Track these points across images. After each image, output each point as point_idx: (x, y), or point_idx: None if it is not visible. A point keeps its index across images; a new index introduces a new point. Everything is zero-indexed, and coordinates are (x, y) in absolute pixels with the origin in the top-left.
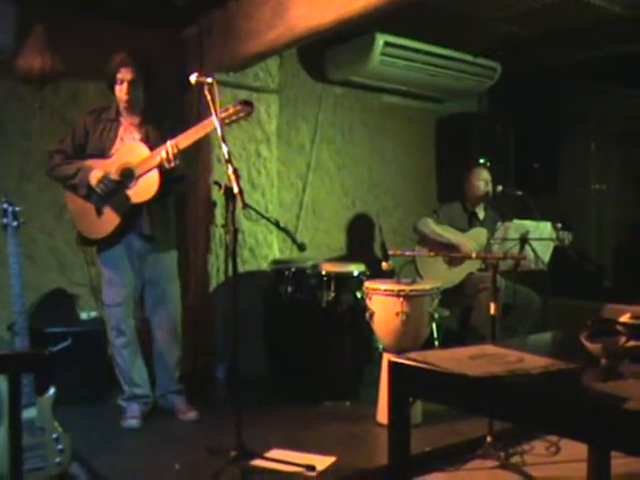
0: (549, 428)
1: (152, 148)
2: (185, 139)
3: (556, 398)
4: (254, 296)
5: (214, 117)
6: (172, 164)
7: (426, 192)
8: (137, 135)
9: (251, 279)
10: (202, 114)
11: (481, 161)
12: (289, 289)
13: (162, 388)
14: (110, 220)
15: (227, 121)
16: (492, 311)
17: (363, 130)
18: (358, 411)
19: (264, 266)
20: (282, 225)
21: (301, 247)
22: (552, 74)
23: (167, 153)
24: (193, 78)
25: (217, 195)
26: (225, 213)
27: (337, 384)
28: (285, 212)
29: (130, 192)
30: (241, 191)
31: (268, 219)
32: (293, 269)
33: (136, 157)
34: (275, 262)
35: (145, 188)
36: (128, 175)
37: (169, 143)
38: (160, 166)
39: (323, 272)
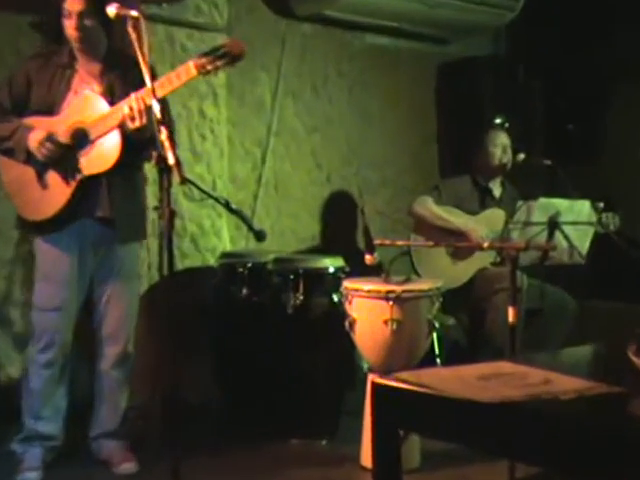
0: (587, 474)
1: (116, 104)
2: (155, 91)
3: (595, 433)
4: (198, 300)
5: (141, 61)
6: (138, 123)
7: (424, 162)
8: (97, 87)
9: (194, 278)
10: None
11: (497, 121)
12: (244, 291)
13: (98, 427)
14: (56, 197)
15: (209, 67)
16: (511, 318)
17: (340, 81)
18: (337, 451)
19: (211, 261)
20: (234, 207)
21: (260, 236)
22: (597, 5)
23: (131, 109)
24: (112, 10)
25: (147, 168)
26: (158, 192)
27: (309, 416)
28: (239, 190)
29: (83, 160)
30: (179, 162)
31: (216, 199)
32: (249, 265)
33: (92, 114)
34: (226, 256)
35: (103, 155)
36: (81, 137)
37: (134, 96)
38: (122, 126)
39: (289, 268)
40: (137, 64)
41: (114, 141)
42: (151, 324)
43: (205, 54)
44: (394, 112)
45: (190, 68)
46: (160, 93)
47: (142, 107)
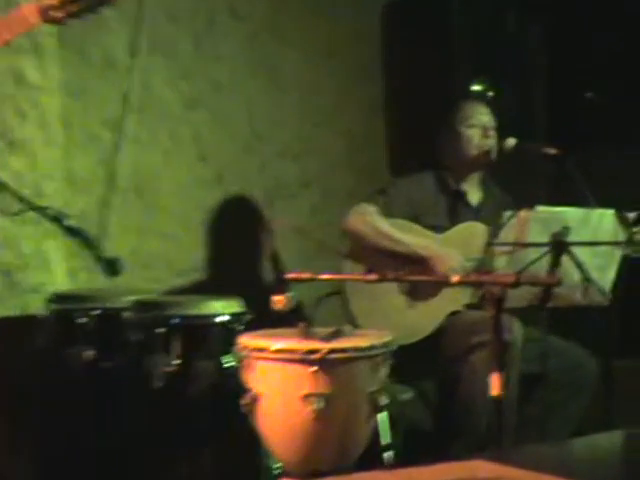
0: None
1: None
2: None
3: None
4: (14, 367)
5: None
6: None
7: (366, 152)
8: None
9: (8, 333)
10: None
11: (475, 88)
12: (88, 352)
13: None
14: None
15: (60, 15)
16: (494, 390)
17: (236, 27)
18: None
19: (36, 307)
20: (72, 223)
21: (112, 268)
22: None
23: None
24: None
25: None
26: None
27: None
28: (79, 195)
29: None
30: None
31: (43, 211)
32: (96, 312)
33: None
34: (59, 299)
35: None
36: None
37: None
38: None
39: (157, 317)
40: None
41: None
42: None
43: None
44: (319, 75)
45: (28, 14)
46: None
47: None
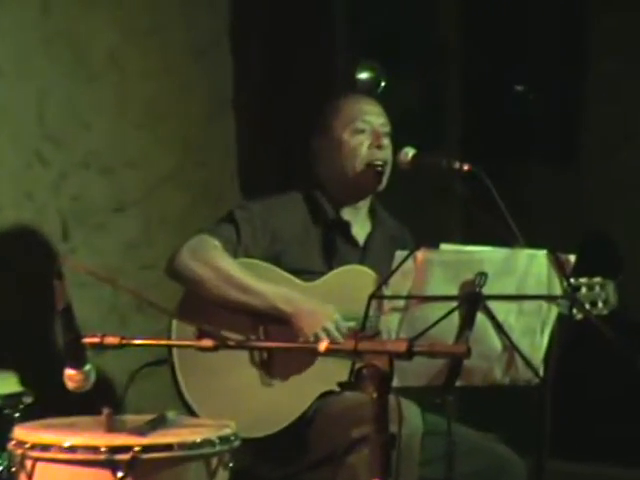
0: None
1: None
2: None
3: None
4: None
5: None
6: None
7: (206, 164)
8: None
9: None
10: None
11: (362, 76)
12: None
13: None
14: None
15: None
16: None
17: None
18: None
19: None
20: None
21: None
22: None
23: None
24: None
25: None
26: None
27: None
28: None
29: None
30: None
31: None
32: None
33: None
34: None
35: None
36: None
37: None
38: None
39: None
40: None
41: None
42: None
43: None
44: (142, 55)
45: None
46: None
47: None
